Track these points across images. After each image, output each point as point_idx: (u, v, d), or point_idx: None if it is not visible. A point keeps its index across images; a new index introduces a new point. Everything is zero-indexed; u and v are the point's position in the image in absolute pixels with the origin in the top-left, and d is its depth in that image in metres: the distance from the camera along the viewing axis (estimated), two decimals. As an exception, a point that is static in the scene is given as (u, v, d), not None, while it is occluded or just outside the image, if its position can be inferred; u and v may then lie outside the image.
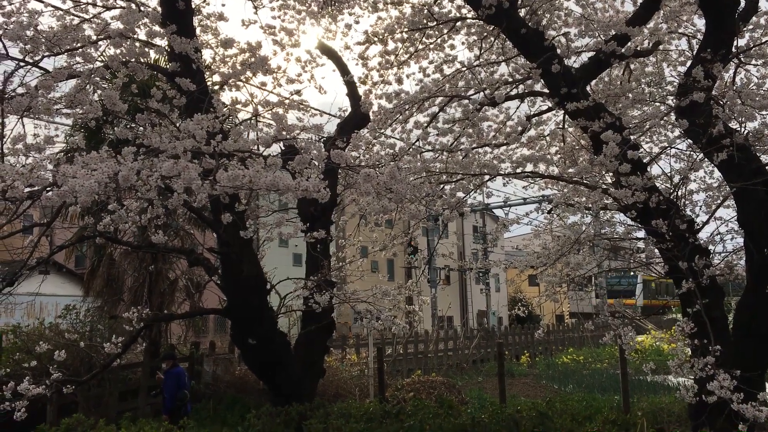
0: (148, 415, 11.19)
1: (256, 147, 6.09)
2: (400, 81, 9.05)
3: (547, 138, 9.83)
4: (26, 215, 5.82)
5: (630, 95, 8.35)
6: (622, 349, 9.19)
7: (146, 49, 7.08)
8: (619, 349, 11.36)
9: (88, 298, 15.28)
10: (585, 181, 8.12)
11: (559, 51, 7.65)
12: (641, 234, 8.38)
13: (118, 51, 6.50)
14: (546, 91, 8.16)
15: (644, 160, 7.71)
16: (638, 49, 8.16)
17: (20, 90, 6.07)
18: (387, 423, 8.08)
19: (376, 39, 9.09)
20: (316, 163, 5.79)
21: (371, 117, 8.83)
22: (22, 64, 6.10)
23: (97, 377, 9.33)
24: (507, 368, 15.64)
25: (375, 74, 9.23)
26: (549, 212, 9.27)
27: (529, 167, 8.29)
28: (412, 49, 9.14)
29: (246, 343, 8.74)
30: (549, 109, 9.00)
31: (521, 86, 8.62)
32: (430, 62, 9.20)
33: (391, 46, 9.09)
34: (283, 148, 7.06)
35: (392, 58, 9.09)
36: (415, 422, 8.06)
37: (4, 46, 5.99)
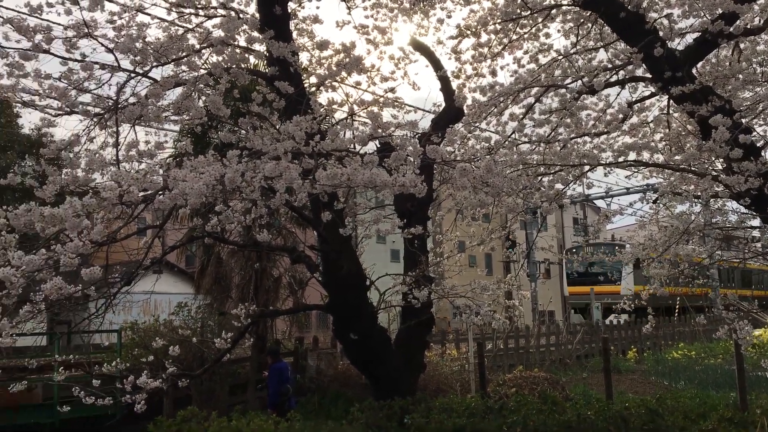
0: (256, 408, 11.61)
1: (352, 145, 6.19)
2: (494, 73, 8.95)
3: (651, 125, 9.42)
4: (140, 218, 6.16)
5: (740, 76, 7.87)
6: (738, 344, 8.70)
7: (246, 55, 7.34)
8: (734, 344, 10.76)
9: (198, 295, 16.02)
10: (693, 169, 7.74)
11: (661, 33, 7.32)
12: (756, 222, 7.90)
13: (220, 58, 6.76)
14: (648, 76, 7.83)
15: (758, 144, 7.27)
16: (748, 27, 7.68)
17: (132, 99, 6.45)
18: (489, 418, 8.02)
19: (468, 32, 9.02)
20: (412, 159, 5.81)
21: (465, 111, 8.77)
22: (132, 75, 6.46)
23: (208, 371, 9.78)
24: (613, 364, 15.12)
25: (468, 68, 9.17)
26: (654, 202, 8.90)
27: (632, 156, 8.00)
28: (506, 40, 9.01)
29: (347, 339, 8.90)
30: (652, 95, 8.63)
31: (621, 72, 8.30)
32: (525, 52, 9.03)
33: (484, 38, 9.00)
34: (378, 145, 7.14)
35: (485, 50, 8.99)
36: (519, 418, 7.95)
37: (116, 59, 6.37)
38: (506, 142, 8.07)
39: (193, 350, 11.75)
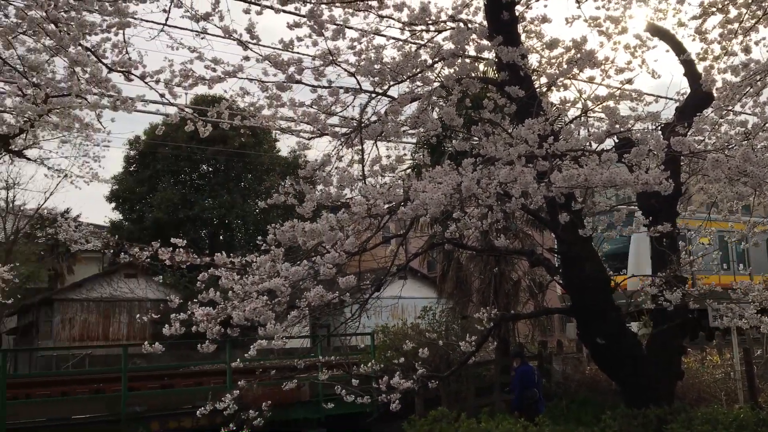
0: (502, 410, 11.68)
1: (588, 144, 6.01)
2: (747, 50, 8.09)
3: None
4: (386, 228, 6.57)
5: None
6: None
7: (476, 64, 7.48)
8: None
9: (441, 299, 16.56)
10: None
11: None
12: None
13: (451, 70, 6.98)
14: None
15: None
16: None
17: (373, 118, 6.92)
18: (762, 432, 7.24)
19: (714, 9, 8.26)
20: (656, 153, 5.49)
21: (715, 94, 8.04)
22: (373, 95, 6.93)
23: (455, 374, 10.05)
24: None
25: (716, 47, 8.40)
26: None
27: None
28: (759, 13, 8.10)
29: (594, 343, 8.59)
30: None
31: None
32: (784, 23, 8.04)
33: (733, 13, 8.18)
34: (616, 141, 6.84)
35: (736, 26, 8.17)
36: (799, 434, 7.07)
37: (358, 82, 6.89)
38: (766, 125, 7.25)
39: (440, 352, 12.16)
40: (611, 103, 7.03)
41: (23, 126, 6.81)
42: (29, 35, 6.61)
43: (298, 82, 6.89)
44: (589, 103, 7.59)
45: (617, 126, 6.06)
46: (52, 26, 6.40)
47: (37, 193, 55.44)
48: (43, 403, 11.32)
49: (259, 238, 6.72)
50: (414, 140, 11.87)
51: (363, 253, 5.66)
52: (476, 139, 7.40)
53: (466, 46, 6.94)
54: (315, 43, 6.94)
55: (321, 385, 12.29)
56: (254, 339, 6.13)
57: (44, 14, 6.30)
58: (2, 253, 23.64)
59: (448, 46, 6.90)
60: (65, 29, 6.48)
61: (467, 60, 7.10)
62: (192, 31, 7.30)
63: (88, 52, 6.87)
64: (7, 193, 27.06)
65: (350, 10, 7.24)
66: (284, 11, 6.95)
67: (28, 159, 15.03)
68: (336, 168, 6.93)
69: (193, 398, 11.53)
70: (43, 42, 6.66)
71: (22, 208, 26.82)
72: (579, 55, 7.09)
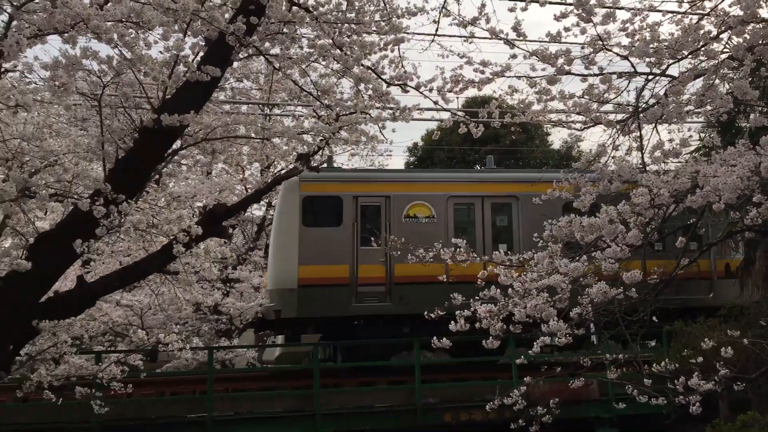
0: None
1: None
2: None
3: None
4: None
5: None
6: None
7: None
8: None
9: (743, 292, 14.86)
10: None
11: None
12: None
13: (741, 39, 6.26)
14: None
15: None
16: None
17: (651, 101, 6.49)
18: None
19: None
20: None
21: None
22: (650, 77, 6.50)
23: (766, 375, 8.96)
24: None
25: None
26: None
27: None
28: None
29: None
30: None
31: None
32: None
33: None
34: None
35: None
36: None
37: (632, 65, 6.51)
38: None
39: (747, 352, 10.92)
40: None
41: (320, 144, 7.63)
42: (320, 62, 7.42)
43: (568, 73, 6.74)
44: None
45: None
46: (338, 51, 7.11)
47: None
48: (350, 393, 12.50)
49: (535, 235, 6.69)
50: (700, 120, 10.85)
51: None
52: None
53: (758, 9, 6.16)
54: (583, 31, 6.72)
55: (611, 384, 11.81)
56: (537, 336, 6.13)
57: (331, 41, 7.04)
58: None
59: (736, 12, 6.20)
60: (349, 52, 7.15)
61: (759, 25, 6.30)
62: (460, 37, 7.57)
63: (369, 70, 7.50)
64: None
65: (620, -9, 6.89)
66: (550, 2, 6.87)
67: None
68: (612, 158, 6.65)
69: (482, 392, 11.84)
70: (331, 66, 7.43)
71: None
72: None
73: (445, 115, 8.77)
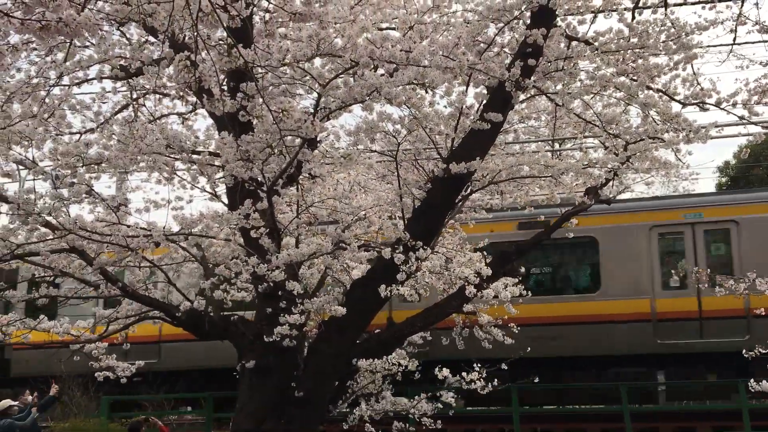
0: None
1: None
2: None
3: None
4: None
5: None
6: None
7: None
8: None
9: None
10: None
11: None
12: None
13: None
14: None
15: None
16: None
17: None
18: None
19: None
20: None
21: None
22: None
23: None
24: None
25: None
26: None
27: None
28: None
29: None
30: None
31: None
32: None
33: None
34: None
35: None
36: None
37: None
38: None
39: None
40: None
41: (607, 176, 7.35)
42: (602, 93, 7.18)
43: None
44: None
45: None
46: (620, 79, 6.82)
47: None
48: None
49: None
50: None
51: None
52: None
53: None
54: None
55: None
56: None
57: (614, 70, 6.78)
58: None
59: None
60: (635, 79, 6.82)
61: None
62: (762, 42, 6.78)
63: (658, 93, 7.05)
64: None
65: None
66: None
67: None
68: None
69: None
70: (614, 96, 7.14)
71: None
72: None
73: (755, 129, 7.83)
